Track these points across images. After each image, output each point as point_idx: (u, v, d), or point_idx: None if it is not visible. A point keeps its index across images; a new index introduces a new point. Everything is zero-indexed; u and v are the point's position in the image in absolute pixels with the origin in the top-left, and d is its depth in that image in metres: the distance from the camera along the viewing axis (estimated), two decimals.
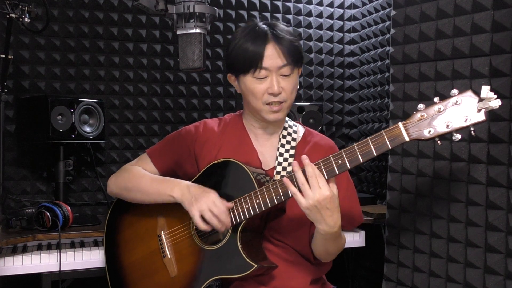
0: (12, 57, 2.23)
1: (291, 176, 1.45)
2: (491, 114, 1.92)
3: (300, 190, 1.43)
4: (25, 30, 2.14)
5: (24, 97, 2.60)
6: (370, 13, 3.20)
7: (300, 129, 1.80)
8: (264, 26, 1.63)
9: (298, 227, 1.68)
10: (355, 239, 2.60)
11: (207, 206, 1.54)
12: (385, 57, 3.00)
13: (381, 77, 3.04)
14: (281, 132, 1.75)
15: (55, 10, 2.76)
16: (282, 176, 1.60)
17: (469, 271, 2.00)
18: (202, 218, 1.56)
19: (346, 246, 2.63)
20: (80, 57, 2.82)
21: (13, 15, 2.06)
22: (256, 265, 1.52)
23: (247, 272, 1.52)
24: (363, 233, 2.62)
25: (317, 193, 1.39)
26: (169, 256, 1.71)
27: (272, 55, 1.59)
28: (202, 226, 1.56)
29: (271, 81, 1.60)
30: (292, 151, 1.72)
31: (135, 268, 1.79)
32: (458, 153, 2.04)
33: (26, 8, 2.08)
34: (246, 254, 1.54)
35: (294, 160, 1.70)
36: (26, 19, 2.09)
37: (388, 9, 2.97)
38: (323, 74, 3.32)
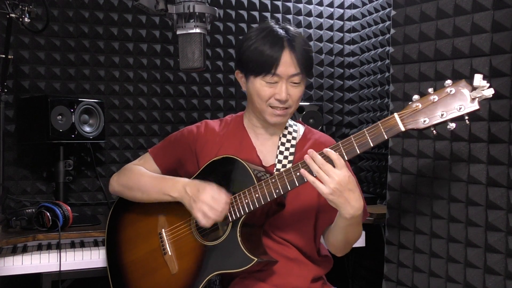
0: (12, 57, 2.23)
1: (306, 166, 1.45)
2: (491, 114, 1.92)
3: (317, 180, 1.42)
4: (25, 30, 2.14)
5: (24, 97, 2.60)
6: (370, 13, 3.20)
7: (300, 128, 1.82)
8: (281, 31, 1.63)
9: (299, 223, 1.69)
10: None
11: (207, 206, 1.55)
12: (385, 57, 3.00)
13: (381, 77, 3.04)
14: (282, 132, 1.76)
15: (55, 10, 2.76)
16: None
17: (469, 271, 2.00)
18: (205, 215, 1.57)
19: None
20: (80, 57, 2.82)
21: (13, 15, 2.06)
22: (256, 259, 1.53)
23: (248, 266, 1.53)
24: (363, 233, 2.62)
25: (335, 175, 1.39)
26: (169, 253, 1.72)
27: (286, 63, 1.59)
28: (207, 224, 1.57)
29: (280, 88, 1.61)
30: (292, 149, 1.73)
31: (137, 266, 1.79)
32: (458, 153, 2.04)
33: (26, 8, 2.08)
34: (246, 249, 1.55)
35: (294, 157, 1.71)
36: (26, 19, 2.09)
37: (388, 9, 2.97)
38: (323, 74, 3.32)
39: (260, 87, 1.63)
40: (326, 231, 1.72)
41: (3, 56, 2.17)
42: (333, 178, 1.39)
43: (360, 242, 2.62)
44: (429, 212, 2.16)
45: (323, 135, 1.82)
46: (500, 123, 1.90)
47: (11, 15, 2.06)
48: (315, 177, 1.42)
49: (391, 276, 2.35)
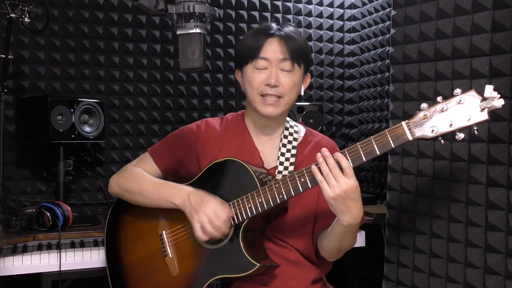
0: (12, 57, 2.23)
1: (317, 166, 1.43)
2: (491, 114, 1.91)
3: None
4: (25, 30, 2.14)
5: (24, 97, 2.60)
6: (370, 13, 3.20)
7: (301, 129, 1.81)
8: (272, 24, 1.68)
9: (300, 226, 1.68)
10: None
11: (207, 219, 1.54)
12: (385, 57, 3.00)
13: (381, 77, 3.04)
14: (283, 132, 1.75)
15: (55, 10, 2.76)
16: (283, 176, 1.60)
17: (469, 271, 2.00)
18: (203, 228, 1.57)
19: None
20: (80, 57, 2.82)
21: (13, 15, 2.07)
22: (258, 264, 1.52)
23: (250, 271, 1.52)
24: (363, 233, 2.62)
25: (342, 182, 1.38)
26: (170, 256, 1.71)
27: (273, 48, 1.62)
28: (203, 237, 1.57)
29: (270, 73, 1.62)
30: (293, 151, 1.72)
31: (136, 267, 1.79)
32: (458, 153, 2.04)
33: (26, 8, 2.09)
34: (248, 253, 1.54)
35: (295, 159, 1.70)
36: (26, 19, 2.09)
37: (388, 9, 2.97)
38: (323, 74, 3.32)
39: (251, 74, 1.65)
40: (320, 235, 1.71)
41: (3, 56, 2.17)
42: (340, 184, 1.38)
43: (360, 242, 2.62)
44: (429, 212, 2.16)
45: (324, 137, 1.81)
46: (500, 123, 1.90)
47: (11, 15, 2.06)
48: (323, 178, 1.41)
49: (391, 276, 2.35)
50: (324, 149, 1.42)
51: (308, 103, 2.91)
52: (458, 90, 1.32)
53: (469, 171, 2.01)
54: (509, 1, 1.86)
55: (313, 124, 2.86)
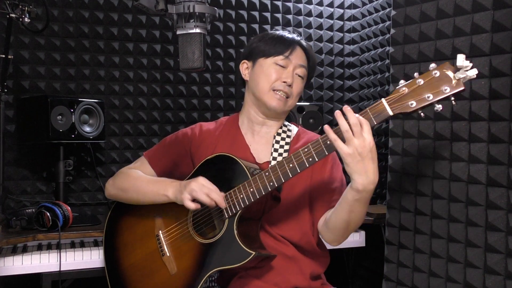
0: (12, 57, 2.23)
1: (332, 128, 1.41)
2: (491, 114, 1.92)
3: (342, 139, 1.38)
4: (25, 30, 2.14)
5: (24, 97, 2.60)
6: (370, 13, 3.20)
7: (294, 128, 1.85)
8: (293, 34, 1.78)
9: (295, 215, 1.71)
10: (355, 239, 2.60)
11: (196, 187, 1.56)
12: (385, 57, 3.00)
13: (381, 77, 3.04)
14: (277, 130, 1.79)
15: (55, 10, 2.76)
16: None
17: (469, 271, 2.00)
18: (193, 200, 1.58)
19: (346, 246, 2.64)
20: (80, 57, 2.82)
21: (13, 15, 2.07)
22: (254, 253, 1.53)
23: (246, 261, 1.53)
24: (363, 233, 2.62)
25: (361, 139, 1.35)
26: (168, 254, 1.72)
27: (298, 54, 1.73)
28: (192, 205, 1.57)
29: (288, 72, 1.70)
30: (286, 147, 1.76)
31: (135, 269, 1.80)
32: (458, 153, 2.04)
33: (26, 8, 2.09)
34: (243, 243, 1.55)
35: (288, 155, 1.71)
36: (26, 19, 2.09)
37: (388, 9, 2.97)
38: (323, 74, 3.32)
39: (269, 68, 1.70)
40: (327, 214, 1.67)
41: (3, 56, 2.17)
42: (359, 141, 1.35)
43: (360, 242, 2.62)
44: (429, 212, 2.16)
45: (316, 135, 1.84)
46: (500, 123, 1.90)
47: (11, 15, 2.06)
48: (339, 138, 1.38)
49: (391, 276, 2.35)
50: (345, 106, 1.38)
51: (308, 103, 2.91)
52: (433, 65, 1.36)
53: (469, 171, 2.01)
54: (509, 1, 1.87)
55: (313, 124, 2.85)
